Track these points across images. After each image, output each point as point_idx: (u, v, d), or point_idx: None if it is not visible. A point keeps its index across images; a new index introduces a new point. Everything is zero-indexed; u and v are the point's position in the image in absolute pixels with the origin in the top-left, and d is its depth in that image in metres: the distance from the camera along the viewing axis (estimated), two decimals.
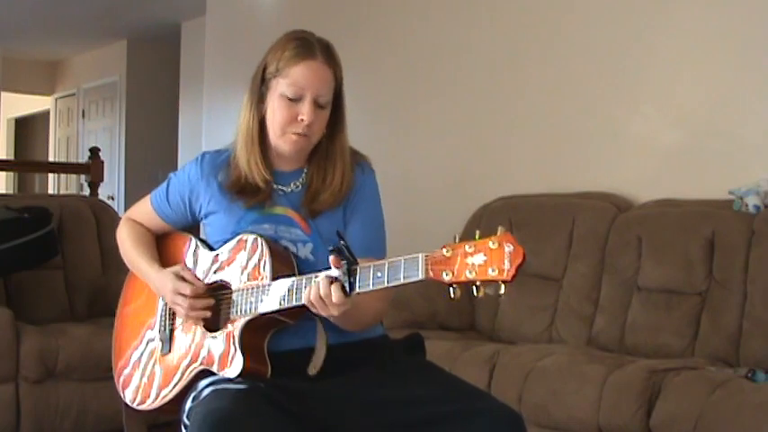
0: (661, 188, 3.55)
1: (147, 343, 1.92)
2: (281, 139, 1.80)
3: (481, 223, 3.92)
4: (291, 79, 1.76)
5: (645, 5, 3.72)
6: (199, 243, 1.91)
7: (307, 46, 1.77)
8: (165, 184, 1.97)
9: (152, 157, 8.19)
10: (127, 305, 2.05)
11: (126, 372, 1.95)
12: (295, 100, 1.76)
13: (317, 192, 1.82)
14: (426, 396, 1.69)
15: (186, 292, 1.79)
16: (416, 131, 4.72)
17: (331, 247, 1.56)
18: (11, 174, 10.68)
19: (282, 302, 1.66)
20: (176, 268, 1.85)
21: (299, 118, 1.76)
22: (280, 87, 1.77)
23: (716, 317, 3.05)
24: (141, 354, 1.93)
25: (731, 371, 2.78)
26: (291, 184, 1.85)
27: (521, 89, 4.20)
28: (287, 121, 1.78)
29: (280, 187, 1.85)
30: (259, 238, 1.75)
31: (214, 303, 1.81)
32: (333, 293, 1.56)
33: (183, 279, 1.81)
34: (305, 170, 1.86)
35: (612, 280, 3.38)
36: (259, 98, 1.82)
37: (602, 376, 2.74)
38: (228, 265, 1.80)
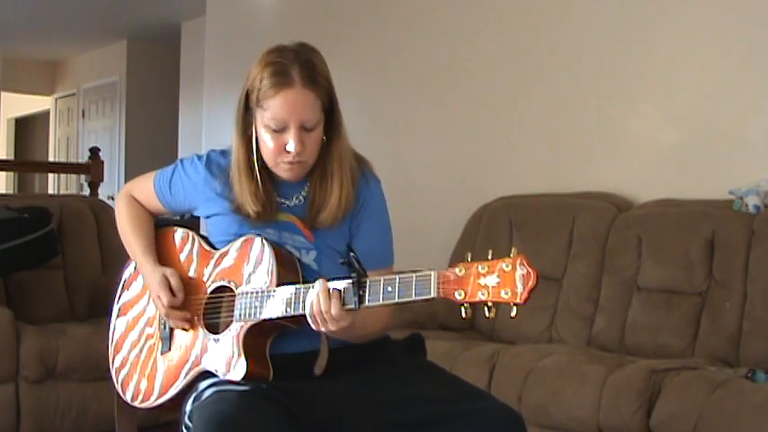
0: (661, 188, 3.55)
1: (146, 339, 1.91)
2: (276, 169, 1.78)
3: (481, 223, 3.93)
4: (271, 112, 1.70)
5: (644, 6, 3.72)
6: (199, 240, 1.90)
7: (282, 73, 1.69)
8: (170, 170, 1.95)
9: (152, 157, 8.14)
10: (126, 299, 2.02)
11: (124, 368, 1.93)
12: (280, 130, 1.72)
13: (318, 209, 1.79)
14: (427, 396, 1.69)
15: (164, 301, 1.79)
16: (416, 131, 4.72)
17: (341, 260, 1.55)
18: (11, 174, 10.67)
19: (287, 309, 1.65)
20: (167, 271, 1.83)
21: (287, 149, 1.72)
22: (263, 119, 1.73)
23: (716, 317, 3.05)
24: (140, 350, 1.91)
25: (731, 371, 2.78)
26: (294, 198, 1.83)
27: (521, 89, 4.20)
28: (276, 152, 1.74)
29: (283, 201, 1.83)
30: (264, 241, 1.74)
31: (216, 304, 1.79)
32: (332, 307, 1.55)
33: (169, 285, 1.80)
34: (307, 182, 1.83)
35: (612, 280, 3.38)
36: (247, 124, 1.78)
37: (602, 376, 2.74)
38: (232, 267, 1.79)
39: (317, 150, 1.78)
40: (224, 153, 1.89)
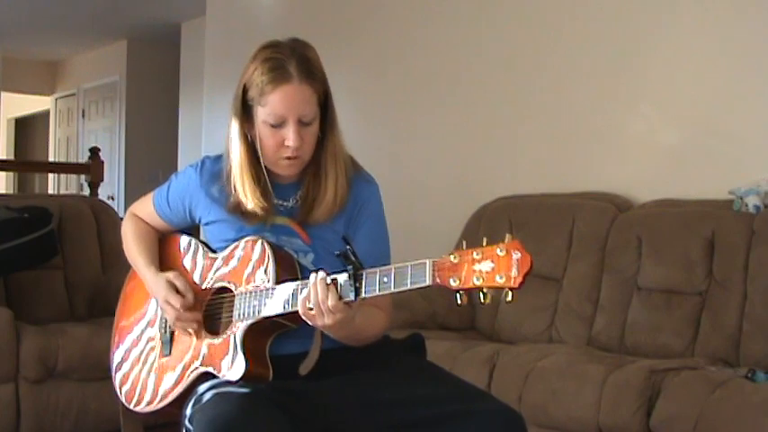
0: (661, 188, 3.55)
1: (147, 342, 1.92)
2: (275, 166, 1.78)
3: (481, 223, 3.93)
4: (270, 108, 1.71)
5: (645, 6, 3.72)
6: (200, 245, 1.91)
7: (279, 68, 1.70)
8: (166, 186, 1.96)
9: (152, 157, 8.19)
10: (127, 303, 2.04)
11: (125, 372, 1.94)
12: (278, 125, 1.72)
13: (311, 205, 1.79)
14: (427, 396, 1.69)
15: (176, 304, 1.79)
16: (417, 132, 4.72)
17: (337, 252, 1.55)
18: (11, 174, 10.68)
19: (286, 306, 1.65)
20: (170, 275, 1.84)
21: (286, 143, 1.73)
22: (262, 115, 1.73)
23: (716, 317, 3.05)
24: (141, 354, 1.92)
25: (731, 371, 2.78)
26: (291, 199, 1.83)
27: (521, 89, 4.20)
28: (275, 147, 1.74)
29: (280, 202, 1.83)
30: (263, 242, 1.74)
31: (217, 305, 1.80)
32: (329, 298, 1.55)
33: (176, 288, 1.81)
34: (303, 182, 1.83)
35: (612, 280, 3.38)
36: (245, 122, 1.78)
37: (602, 376, 2.74)
38: (231, 268, 1.79)
39: (313, 145, 1.79)
40: (219, 158, 1.89)
